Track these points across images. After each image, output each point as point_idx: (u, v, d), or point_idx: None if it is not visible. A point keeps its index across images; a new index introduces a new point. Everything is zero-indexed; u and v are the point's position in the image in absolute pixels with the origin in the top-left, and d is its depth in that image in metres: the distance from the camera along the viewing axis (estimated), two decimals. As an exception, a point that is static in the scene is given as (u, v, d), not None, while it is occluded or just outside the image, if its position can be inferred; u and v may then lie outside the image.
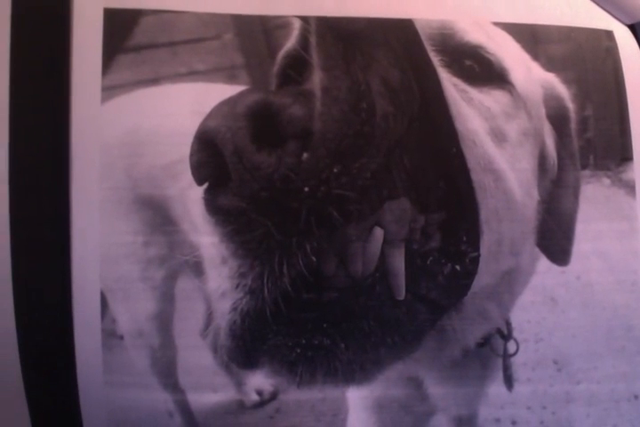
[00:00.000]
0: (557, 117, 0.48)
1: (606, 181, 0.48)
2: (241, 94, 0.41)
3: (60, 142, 0.42)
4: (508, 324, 0.46)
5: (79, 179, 0.43)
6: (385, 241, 0.41)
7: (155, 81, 0.44)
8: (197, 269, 0.42)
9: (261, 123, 0.39)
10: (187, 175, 0.41)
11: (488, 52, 0.46)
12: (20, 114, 0.42)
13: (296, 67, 0.42)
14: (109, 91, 0.43)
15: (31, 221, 0.42)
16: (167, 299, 0.44)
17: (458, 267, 0.43)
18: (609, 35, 0.49)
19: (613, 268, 0.47)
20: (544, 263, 0.46)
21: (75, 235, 0.42)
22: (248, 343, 0.41)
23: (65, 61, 0.43)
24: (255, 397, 0.45)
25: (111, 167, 0.43)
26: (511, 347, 0.46)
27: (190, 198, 0.41)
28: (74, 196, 0.42)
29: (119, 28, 0.44)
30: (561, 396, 0.46)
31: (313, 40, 0.42)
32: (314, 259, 0.40)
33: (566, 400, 0.46)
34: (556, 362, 0.46)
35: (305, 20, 0.44)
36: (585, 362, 0.46)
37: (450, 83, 0.44)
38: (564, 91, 0.48)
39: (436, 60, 0.44)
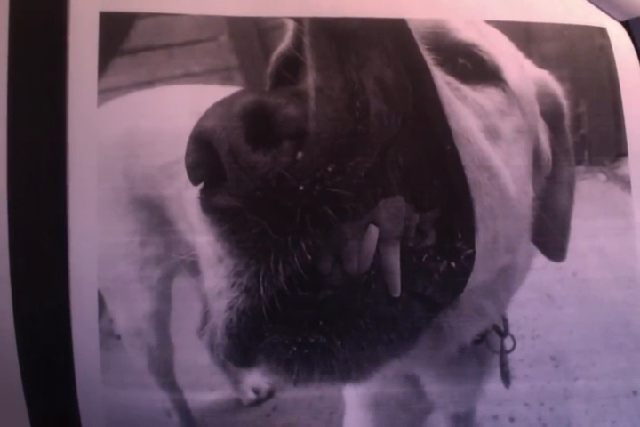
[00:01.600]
0: (551, 114, 0.48)
1: (601, 176, 0.48)
2: (236, 95, 0.41)
3: (58, 144, 0.43)
4: (505, 320, 0.46)
5: (76, 180, 0.43)
6: (380, 239, 0.41)
7: (150, 83, 0.44)
8: (194, 268, 0.42)
9: (256, 123, 0.39)
10: (183, 175, 0.41)
11: (481, 51, 0.46)
12: (18, 116, 0.43)
13: (290, 67, 0.43)
14: (106, 93, 0.44)
15: (29, 221, 0.42)
16: (164, 298, 0.44)
17: (453, 264, 0.43)
18: (602, 32, 0.49)
19: (610, 264, 0.47)
20: (540, 260, 0.46)
21: (72, 235, 0.43)
22: (244, 342, 0.41)
23: (62, 64, 0.43)
24: (252, 395, 0.45)
25: (108, 168, 0.44)
26: (508, 343, 0.46)
27: (186, 198, 0.42)
28: (71, 197, 0.43)
29: (115, 31, 0.45)
30: (559, 392, 0.46)
31: (307, 41, 0.42)
32: (309, 257, 0.40)
33: (564, 397, 0.46)
34: (553, 358, 0.46)
35: (299, 21, 0.44)
36: (583, 358, 0.46)
37: (443, 81, 0.44)
38: (557, 88, 0.48)
39: (429, 58, 0.44)
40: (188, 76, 0.45)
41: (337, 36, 0.42)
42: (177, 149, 0.41)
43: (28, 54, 0.43)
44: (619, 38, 0.49)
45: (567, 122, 0.48)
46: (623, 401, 0.47)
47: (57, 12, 0.44)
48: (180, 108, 0.44)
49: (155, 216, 0.44)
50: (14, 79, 0.43)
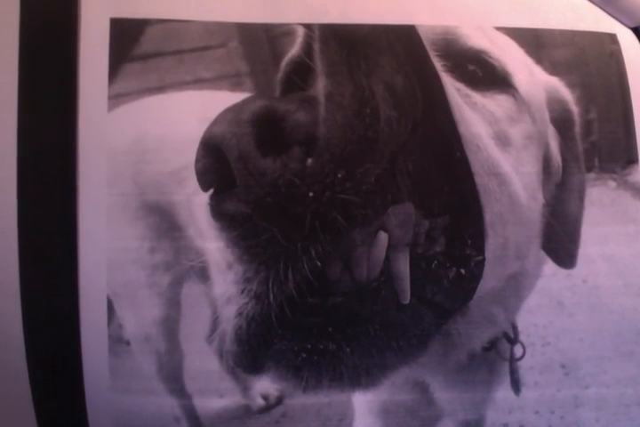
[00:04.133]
0: (561, 121, 0.48)
1: (612, 183, 0.48)
2: (246, 101, 0.41)
3: (68, 150, 0.43)
4: (515, 327, 0.46)
5: (86, 186, 0.43)
6: (390, 245, 0.41)
7: (161, 89, 0.45)
8: (203, 274, 0.42)
9: (266, 129, 0.39)
10: (192, 181, 0.41)
11: (491, 57, 0.46)
12: (29, 122, 0.43)
13: (300, 73, 0.43)
14: (116, 99, 0.44)
15: (39, 227, 0.42)
16: (173, 304, 0.44)
17: (463, 271, 0.43)
18: (612, 38, 0.49)
19: (620, 271, 0.47)
20: (550, 267, 0.46)
21: (82, 241, 0.43)
22: (254, 348, 0.41)
23: (72, 70, 0.44)
24: (261, 401, 0.45)
25: (118, 174, 0.44)
26: (518, 351, 0.46)
27: (196, 204, 0.42)
28: (81, 202, 0.43)
29: (125, 37, 0.45)
30: (569, 400, 0.46)
31: (317, 47, 0.42)
32: (319, 263, 0.40)
33: (575, 405, 0.46)
34: (563, 366, 0.46)
35: (309, 27, 0.44)
36: (593, 366, 0.46)
37: (453, 87, 0.44)
38: (567, 94, 0.48)
39: (439, 65, 0.44)
40: (198, 82, 0.45)
41: (347, 43, 0.42)
42: (187, 154, 0.41)
43: (38, 60, 0.44)
44: (629, 44, 0.49)
45: (577, 128, 0.48)
46: (634, 409, 0.46)
47: (67, 18, 0.44)
48: (189, 114, 0.44)
49: (164, 222, 0.44)
50: (25, 85, 0.43)
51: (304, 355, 0.41)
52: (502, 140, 0.45)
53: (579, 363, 0.46)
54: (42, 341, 0.42)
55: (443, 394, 0.46)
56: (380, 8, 0.47)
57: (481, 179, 0.43)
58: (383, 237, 0.41)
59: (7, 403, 0.43)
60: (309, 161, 0.39)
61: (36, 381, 0.42)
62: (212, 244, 0.41)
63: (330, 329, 0.41)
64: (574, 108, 0.48)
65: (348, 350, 0.41)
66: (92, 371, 0.43)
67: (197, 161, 0.41)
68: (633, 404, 0.46)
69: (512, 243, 0.45)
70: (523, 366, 0.46)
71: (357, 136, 0.39)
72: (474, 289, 0.44)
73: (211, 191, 0.41)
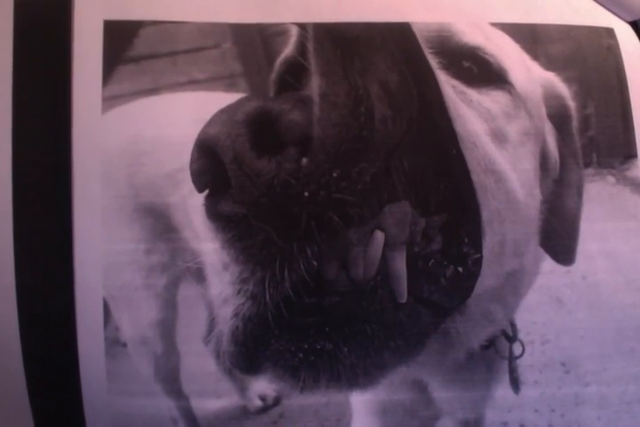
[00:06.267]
0: (558, 116, 0.47)
1: (610, 179, 0.47)
2: (240, 102, 0.41)
3: (62, 152, 0.43)
4: (513, 325, 0.45)
5: (81, 188, 0.43)
6: (386, 244, 0.41)
7: (155, 91, 0.45)
8: (199, 275, 0.42)
9: (260, 129, 0.39)
10: (187, 183, 0.41)
11: (486, 53, 0.45)
12: (23, 124, 0.43)
13: (294, 73, 0.42)
14: (110, 101, 0.44)
15: (34, 229, 0.43)
16: (169, 306, 0.44)
17: (460, 269, 0.43)
18: (610, 32, 0.49)
19: (621, 267, 0.46)
20: (548, 264, 0.46)
21: (77, 243, 0.43)
22: (250, 349, 0.41)
23: (66, 73, 0.44)
24: (258, 402, 0.45)
25: (112, 176, 0.44)
26: (517, 349, 0.45)
27: (191, 206, 0.42)
28: (76, 205, 0.43)
29: (119, 39, 0.45)
30: (570, 398, 0.45)
31: (310, 46, 0.42)
32: (315, 263, 0.39)
33: (575, 403, 0.45)
34: (563, 364, 0.46)
35: (302, 26, 0.44)
36: (594, 364, 0.46)
37: (449, 85, 0.44)
38: (564, 89, 0.47)
39: (434, 62, 0.44)
40: (192, 84, 0.45)
41: (341, 41, 0.41)
42: (181, 156, 0.41)
43: (32, 62, 0.44)
44: (626, 39, 0.49)
45: (575, 124, 0.47)
46: (636, 407, 0.46)
47: (61, 20, 0.44)
48: (184, 115, 0.44)
49: (160, 224, 0.44)
50: (19, 87, 0.43)
51: (301, 355, 0.41)
52: (499, 137, 0.45)
53: (579, 361, 0.46)
54: (38, 344, 0.42)
55: (441, 393, 0.46)
56: (373, 5, 0.47)
57: (477, 176, 0.43)
58: (379, 237, 0.41)
59: (4, 406, 0.43)
60: (304, 161, 0.39)
61: (33, 384, 0.42)
62: (207, 245, 0.41)
63: (327, 329, 0.41)
64: (571, 104, 0.47)
65: (346, 349, 0.41)
66: (89, 374, 0.43)
67: (192, 162, 0.40)
68: (634, 402, 0.46)
69: (510, 240, 0.44)
70: (522, 364, 0.45)
71: (352, 135, 0.39)
72: (472, 287, 0.43)
73: (206, 192, 0.40)
